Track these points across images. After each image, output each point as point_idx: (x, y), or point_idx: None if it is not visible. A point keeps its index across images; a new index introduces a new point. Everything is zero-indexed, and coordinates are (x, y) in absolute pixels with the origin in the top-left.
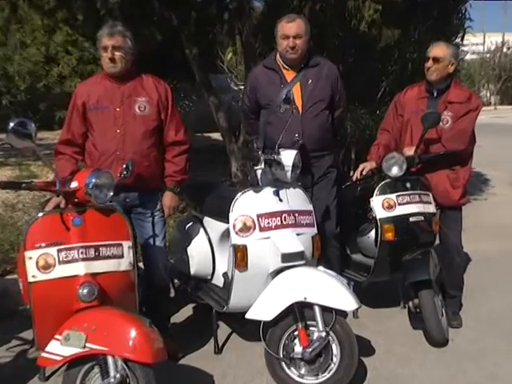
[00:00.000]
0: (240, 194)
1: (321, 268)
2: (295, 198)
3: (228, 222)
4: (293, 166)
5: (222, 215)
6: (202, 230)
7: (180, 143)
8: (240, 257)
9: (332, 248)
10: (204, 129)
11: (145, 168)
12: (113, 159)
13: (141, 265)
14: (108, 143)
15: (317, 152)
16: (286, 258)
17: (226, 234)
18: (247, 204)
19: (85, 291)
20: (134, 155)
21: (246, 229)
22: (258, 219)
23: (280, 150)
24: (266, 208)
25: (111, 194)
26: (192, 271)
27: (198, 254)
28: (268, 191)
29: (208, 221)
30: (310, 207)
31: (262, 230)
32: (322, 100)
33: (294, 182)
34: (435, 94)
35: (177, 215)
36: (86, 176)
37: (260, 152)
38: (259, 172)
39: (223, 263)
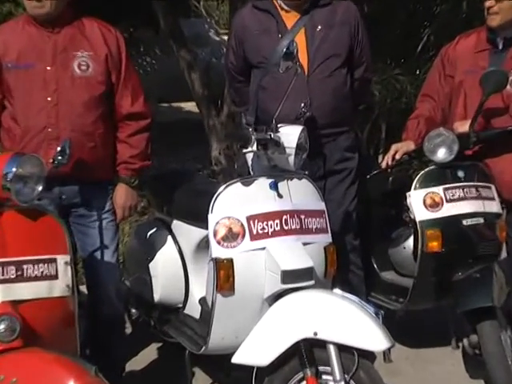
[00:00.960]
0: (223, 187)
1: (337, 291)
2: (300, 193)
3: (207, 228)
4: (297, 147)
5: (199, 218)
6: (170, 238)
7: (138, 117)
8: (224, 276)
9: (352, 264)
10: (172, 97)
11: (88, 151)
12: (42, 139)
13: (83, 289)
14: (35, 116)
15: (330, 128)
16: (289, 277)
17: (203, 245)
18: (233, 201)
19: (1, 327)
20: (72, 133)
21: (231, 237)
22: (248, 223)
23: (279, 125)
24: (259, 207)
25: (40, 188)
26: (156, 297)
27: (165, 272)
28: (262, 183)
29: (179, 226)
30: (322, 205)
31: (254, 237)
32: (337, 55)
33: (298, 171)
34: (500, 46)
35: (134, 218)
36: (3, 163)
37: (251, 129)
38: (250, 157)
39: (200, 285)
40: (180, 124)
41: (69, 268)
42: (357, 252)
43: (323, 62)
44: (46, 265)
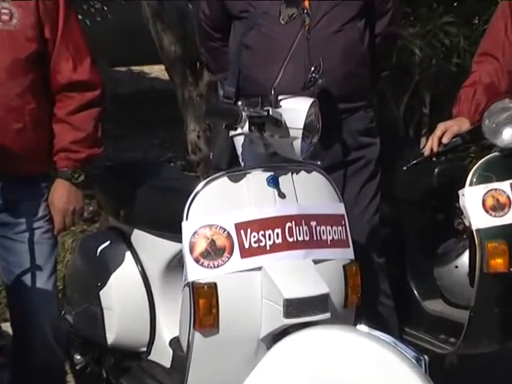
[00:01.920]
0: (203, 183)
1: (362, 328)
2: (310, 191)
3: (180, 241)
4: (305, 128)
5: (169, 226)
6: (129, 255)
7: (83, 86)
8: (204, 307)
9: (380, 291)
10: (132, 59)
11: (14, 134)
12: None
13: (7, 327)
14: None
15: (341, 103)
16: (294, 308)
17: (175, 264)
18: (217, 204)
19: None
20: None
21: (214, 252)
22: (237, 233)
23: (280, 97)
24: (253, 211)
25: None
26: (110, 338)
27: (123, 303)
28: (257, 178)
29: (141, 238)
30: (341, 208)
31: (245, 253)
32: (349, 1)
33: (307, 161)
34: None
35: (79, 228)
36: None
37: (241, 103)
38: (240, 141)
39: (171, 321)
40: (143, 96)
41: None
42: (383, 273)
43: (329, 12)
44: None
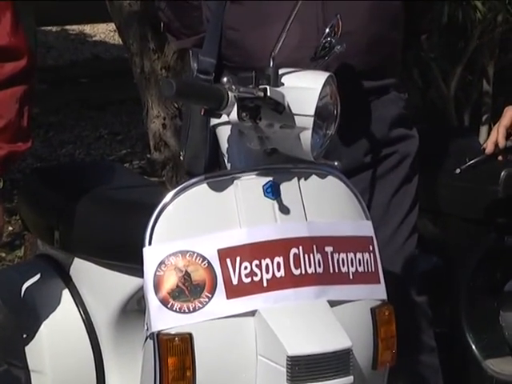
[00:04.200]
0: (172, 194)
1: None
2: (325, 205)
3: (140, 274)
4: (317, 114)
5: (125, 254)
6: (66, 295)
7: (1, 55)
8: (174, 367)
9: (421, 345)
10: (68, 15)
11: None
12: None
13: None
14: None
15: (366, 80)
16: (302, 369)
17: (133, 307)
18: (192, 222)
19: None
20: None
21: (189, 290)
22: (221, 263)
23: (281, 71)
24: (243, 233)
25: None
26: None
27: (59, 363)
28: (250, 186)
29: (85, 270)
30: (367, 228)
31: (233, 292)
32: None
33: (320, 161)
34: None
35: None
36: None
37: (226, 79)
38: (225, 133)
39: None
40: (83, 69)
41: None
42: (425, 319)
43: None
44: None
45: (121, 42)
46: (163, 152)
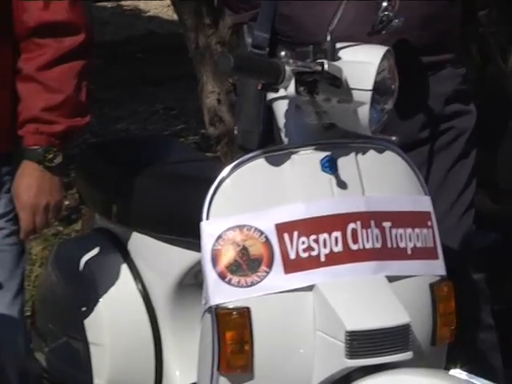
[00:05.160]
0: (229, 168)
1: (457, 373)
2: (383, 180)
3: (198, 249)
4: (376, 89)
5: (181, 228)
6: (125, 269)
7: (60, 30)
8: (233, 341)
9: (479, 322)
10: None
11: None
12: None
13: None
14: None
15: (423, 55)
16: (360, 344)
17: (190, 281)
18: (250, 197)
19: None
20: None
21: (247, 265)
22: (279, 238)
23: (338, 45)
24: (301, 208)
25: None
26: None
27: (117, 335)
28: (307, 161)
29: (142, 245)
30: (426, 203)
31: (291, 266)
32: None
33: (378, 136)
34: None
35: (52, 230)
36: None
37: (283, 54)
38: (282, 108)
39: (184, 360)
40: (138, 44)
41: None
42: (483, 296)
43: None
44: None
45: (174, 18)
46: (218, 127)
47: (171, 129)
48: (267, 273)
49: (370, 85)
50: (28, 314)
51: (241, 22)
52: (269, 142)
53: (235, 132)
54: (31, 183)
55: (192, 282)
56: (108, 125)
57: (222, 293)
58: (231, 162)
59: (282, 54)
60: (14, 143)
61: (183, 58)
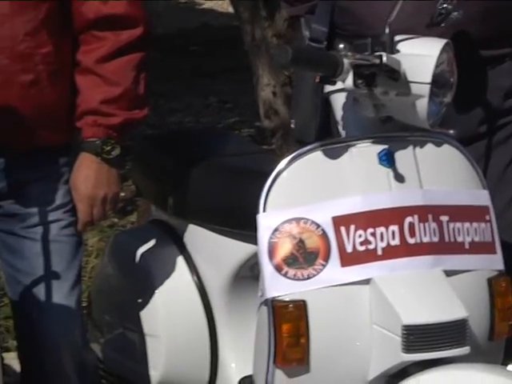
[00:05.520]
0: (286, 161)
1: None
2: (441, 174)
3: (254, 241)
4: (435, 82)
5: (237, 221)
6: (181, 261)
7: (119, 23)
8: (289, 334)
9: None
10: None
11: (22, 89)
12: None
13: (12, 361)
14: None
15: (482, 49)
16: (417, 339)
17: (246, 274)
18: (307, 189)
19: None
20: None
21: (303, 258)
22: (336, 231)
23: (396, 37)
24: (358, 201)
25: None
26: (156, 376)
27: (173, 328)
28: (365, 154)
29: (198, 236)
30: (484, 197)
31: (347, 260)
32: None
33: (436, 129)
34: None
35: (107, 222)
36: None
37: (342, 46)
38: (340, 101)
39: (239, 353)
40: (193, 37)
41: None
42: None
43: None
44: None
45: (229, 10)
46: (273, 120)
47: (225, 121)
48: (324, 266)
49: (428, 78)
50: (84, 304)
51: (297, 15)
52: (325, 135)
53: (292, 125)
54: (89, 175)
55: (248, 274)
56: (162, 117)
57: (278, 285)
58: (288, 155)
59: (341, 46)
60: (72, 135)
61: (237, 51)
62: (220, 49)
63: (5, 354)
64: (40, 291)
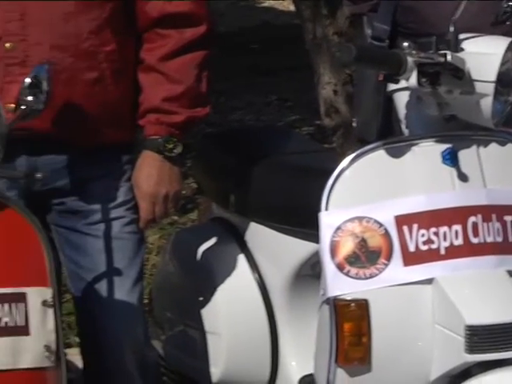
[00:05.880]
0: (349, 159)
1: None
2: (505, 173)
3: (315, 240)
4: (499, 80)
5: (298, 219)
6: (242, 259)
7: (182, 21)
8: (351, 333)
9: None
10: None
11: (85, 87)
12: None
13: (75, 357)
14: None
15: None
16: (481, 339)
17: (307, 272)
18: (369, 188)
19: None
20: (53, 52)
21: (366, 256)
22: (398, 230)
23: (461, 36)
24: (421, 200)
25: None
26: (216, 373)
27: (234, 326)
28: (428, 153)
29: (260, 234)
30: None
31: (410, 259)
32: None
33: (501, 129)
34: None
35: (168, 220)
36: None
37: (406, 44)
38: (403, 99)
39: (300, 351)
40: (254, 35)
41: (50, 313)
42: None
43: None
44: (5, 306)
45: (290, 9)
46: (334, 118)
47: (285, 120)
48: (386, 265)
49: (493, 76)
50: (145, 301)
51: (359, 13)
52: (386, 134)
53: (353, 124)
54: (151, 173)
55: (309, 272)
56: (222, 115)
57: (340, 284)
58: (350, 153)
59: (405, 44)
60: (135, 133)
61: (298, 49)
62: (281, 47)
63: (67, 350)
64: (102, 288)
